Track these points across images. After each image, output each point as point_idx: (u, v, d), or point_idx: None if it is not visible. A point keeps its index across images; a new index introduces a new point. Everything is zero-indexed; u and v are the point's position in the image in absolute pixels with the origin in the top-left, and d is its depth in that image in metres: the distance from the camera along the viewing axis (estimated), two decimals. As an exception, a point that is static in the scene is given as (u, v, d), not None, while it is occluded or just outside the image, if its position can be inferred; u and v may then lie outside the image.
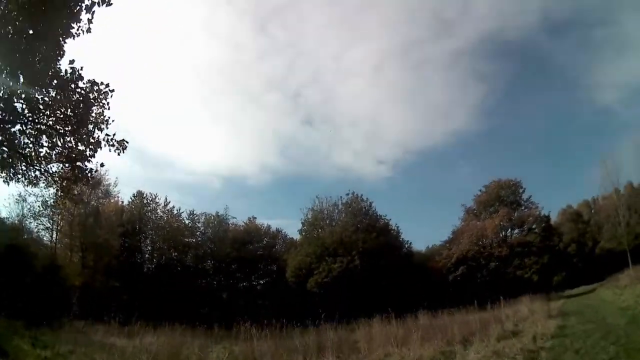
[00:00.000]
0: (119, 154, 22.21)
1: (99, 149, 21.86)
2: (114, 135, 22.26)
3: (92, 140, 21.66)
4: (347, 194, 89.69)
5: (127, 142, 22.72)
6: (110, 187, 78.03)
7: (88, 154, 21.91)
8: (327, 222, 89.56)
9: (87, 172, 22.70)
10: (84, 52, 22.66)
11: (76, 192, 25.94)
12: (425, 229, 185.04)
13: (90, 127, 21.50)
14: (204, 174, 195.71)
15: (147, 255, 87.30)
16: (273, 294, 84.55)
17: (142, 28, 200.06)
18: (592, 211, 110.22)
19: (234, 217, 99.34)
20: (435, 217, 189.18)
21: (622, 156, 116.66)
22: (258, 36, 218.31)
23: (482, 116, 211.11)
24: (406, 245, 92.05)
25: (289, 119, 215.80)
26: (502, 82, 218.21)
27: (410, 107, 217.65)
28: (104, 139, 21.76)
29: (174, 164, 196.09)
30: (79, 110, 21.17)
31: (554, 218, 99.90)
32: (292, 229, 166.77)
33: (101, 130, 21.76)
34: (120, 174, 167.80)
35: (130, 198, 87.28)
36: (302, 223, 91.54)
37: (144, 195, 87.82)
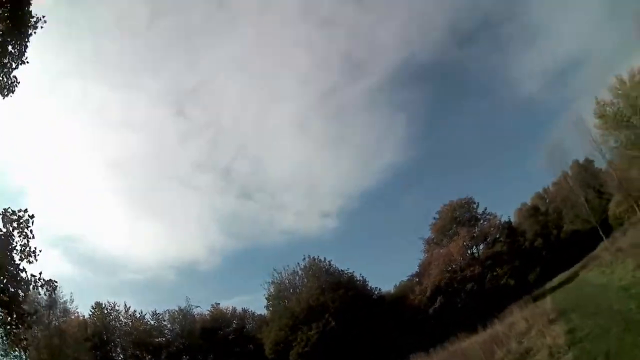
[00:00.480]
0: (50, 295, 20.35)
1: (29, 290, 19.74)
2: (40, 274, 20.40)
3: (21, 279, 19.38)
4: (304, 259, 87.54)
5: (56, 282, 21.01)
6: (67, 304, 75.45)
7: (20, 296, 19.66)
8: (291, 291, 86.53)
9: (25, 315, 20.36)
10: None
11: (23, 337, 23.09)
12: (386, 267, 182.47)
13: (14, 263, 19.26)
14: (155, 269, 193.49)
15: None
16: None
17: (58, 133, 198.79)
18: (547, 201, 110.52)
19: (197, 306, 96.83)
20: (393, 253, 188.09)
21: (561, 138, 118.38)
22: (177, 120, 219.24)
23: (412, 144, 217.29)
24: (376, 292, 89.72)
25: (225, 196, 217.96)
26: (423, 106, 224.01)
27: (340, 154, 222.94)
28: (31, 279, 19.56)
29: (124, 265, 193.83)
30: (-1, 247, 18.97)
31: (512, 219, 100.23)
32: (257, 303, 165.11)
33: (30, 262, 19.53)
34: (74, 283, 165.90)
35: (90, 310, 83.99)
36: (266, 298, 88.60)
37: (103, 305, 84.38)
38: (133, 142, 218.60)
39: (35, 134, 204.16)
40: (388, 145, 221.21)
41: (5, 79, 20.15)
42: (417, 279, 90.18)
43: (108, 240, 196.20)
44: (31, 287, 19.72)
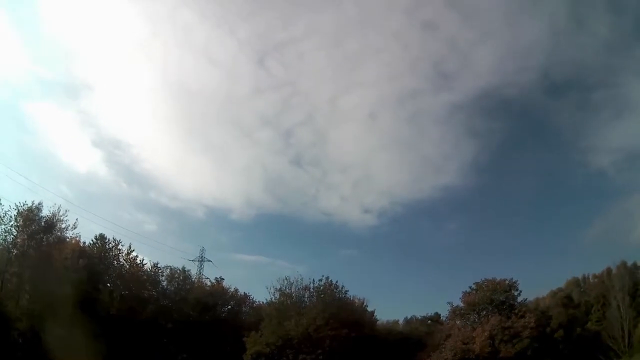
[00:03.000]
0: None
1: None
2: None
3: None
4: (320, 280, 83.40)
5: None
6: (67, 231, 75.21)
7: None
8: (296, 305, 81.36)
9: None
10: None
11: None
12: (405, 290, 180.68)
13: None
14: (188, 201, 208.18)
15: (102, 307, 79.10)
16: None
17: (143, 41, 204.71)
18: (582, 290, 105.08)
19: (209, 260, 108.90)
20: (417, 277, 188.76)
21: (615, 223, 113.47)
22: (256, 69, 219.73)
23: (473, 173, 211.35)
24: (379, 321, 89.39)
25: (279, 157, 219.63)
26: (496, 140, 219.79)
27: (401, 157, 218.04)
28: None
29: (159, 186, 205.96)
30: None
31: (542, 292, 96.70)
32: (272, 268, 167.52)
33: None
34: (105, 188, 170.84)
35: (92, 240, 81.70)
36: (268, 304, 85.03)
37: (106, 240, 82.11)
38: (208, 76, 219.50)
39: (114, 34, 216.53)
40: (451, 166, 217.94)
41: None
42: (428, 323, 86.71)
43: (153, 158, 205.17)
44: None
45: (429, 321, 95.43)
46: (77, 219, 75.89)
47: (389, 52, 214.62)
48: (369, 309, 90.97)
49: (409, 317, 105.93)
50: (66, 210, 73.17)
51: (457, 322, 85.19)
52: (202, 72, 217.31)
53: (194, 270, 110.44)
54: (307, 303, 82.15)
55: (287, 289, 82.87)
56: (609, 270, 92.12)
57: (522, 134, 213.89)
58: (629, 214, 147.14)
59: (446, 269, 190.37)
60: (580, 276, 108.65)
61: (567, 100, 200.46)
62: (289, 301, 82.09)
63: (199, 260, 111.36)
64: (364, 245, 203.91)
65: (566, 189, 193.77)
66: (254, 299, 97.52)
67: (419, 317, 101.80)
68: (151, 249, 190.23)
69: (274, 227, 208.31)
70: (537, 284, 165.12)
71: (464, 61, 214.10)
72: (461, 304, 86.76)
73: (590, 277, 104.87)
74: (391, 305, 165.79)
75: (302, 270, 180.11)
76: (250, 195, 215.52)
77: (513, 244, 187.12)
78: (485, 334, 76.65)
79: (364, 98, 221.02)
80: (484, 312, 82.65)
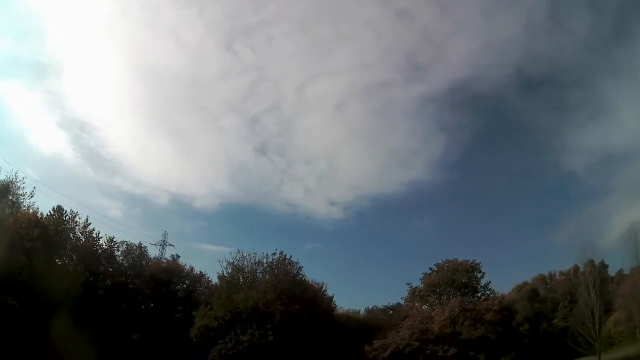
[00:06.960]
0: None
1: None
2: None
3: None
4: (274, 254, 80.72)
5: None
6: (22, 199, 72.84)
7: None
8: (249, 280, 79.32)
9: None
10: None
11: None
12: (370, 287, 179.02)
13: None
14: (151, 187, 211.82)
15: (56, 279, 76.24)
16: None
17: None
18: (548, 286, 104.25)
19: (171, 245, 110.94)
20: (383, 275, 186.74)
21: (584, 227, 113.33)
22: (224, 53, 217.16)
23: (443, 169, 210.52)
24: (338, 309, 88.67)
25: (244, 144, 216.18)
26: (467, 136, 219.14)
27: (369, 150, 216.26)
28: None
29: (123, 171, 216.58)
30: None
31: (508, 290, 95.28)
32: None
33: None
34: (70, 172, 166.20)
35: (50, 212, 78.77)
36: (219, 278, 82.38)
37: (64, 212, 79.34)
38: (175, 59, 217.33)
39: (82, 11, 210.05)
40: (419, 162, 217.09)
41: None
42: (389, 310, 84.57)
43: (118, 142, 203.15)
44: None
45: (391, 311, 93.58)
46: (34, 188, 76.18)
47: (361, 41, 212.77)
48: (329, 294, 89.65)
49: (370, 307, 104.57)
50: (24, 177, 73.33)
51: (416, 304, 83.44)
52: (169, 55, 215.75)
53: (156, 254, 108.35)
54: (260, 278, 79.75)
55: (240, 264, 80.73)
56: (576, 268, 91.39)
57: (493, 130, 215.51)
58: (599, 218, 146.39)
59: (412, 266, 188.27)
60: (547, 273, 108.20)
61: (541, 98, 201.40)
62: (241, 276, 79.80)
63: (161, 245, 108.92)
64: (329, 239, 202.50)
65: (537, 189, 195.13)
66: (210, 279, 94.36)
67: (381, 307, 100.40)
68: (115, 233, 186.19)
69: (238, 218, 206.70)
70: (504, 285, 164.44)
71: (438, 53, 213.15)
72: (421, 285, 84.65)
73: (557, 274, 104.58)
74: (356, 301, 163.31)
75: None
76: (215, 184, 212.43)
77: (481, 244, 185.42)
78: (446, 314, 74.70)
79: (333, 87, 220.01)
80: (445, 295, 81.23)
